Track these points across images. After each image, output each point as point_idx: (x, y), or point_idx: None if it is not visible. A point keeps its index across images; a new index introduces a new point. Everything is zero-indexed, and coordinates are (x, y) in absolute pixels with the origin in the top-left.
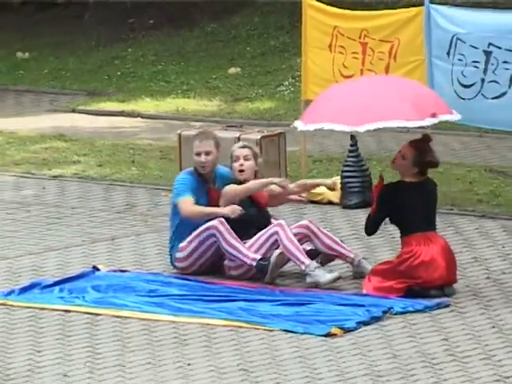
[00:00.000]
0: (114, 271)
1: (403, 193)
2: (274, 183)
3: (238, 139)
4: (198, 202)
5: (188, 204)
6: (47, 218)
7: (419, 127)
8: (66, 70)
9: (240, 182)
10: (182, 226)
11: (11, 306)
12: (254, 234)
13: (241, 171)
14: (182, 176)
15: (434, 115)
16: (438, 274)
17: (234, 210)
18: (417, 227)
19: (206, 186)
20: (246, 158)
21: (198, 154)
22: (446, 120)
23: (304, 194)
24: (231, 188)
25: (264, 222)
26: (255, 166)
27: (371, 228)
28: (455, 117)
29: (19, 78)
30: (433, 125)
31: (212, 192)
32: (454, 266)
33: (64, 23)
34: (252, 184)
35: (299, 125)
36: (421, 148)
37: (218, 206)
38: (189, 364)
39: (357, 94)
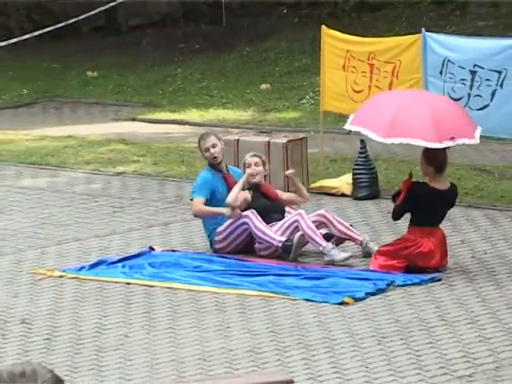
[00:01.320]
0: (167, 251)
1: (431, 198)
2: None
3: (268, 143)
4: (218, 190)
5: (198, 204)
6: (112, 207)
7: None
8: (127, 85)
9: (253, 184)
10: (212, 218)
11: (82, 279)
12: (273, 220)
13: (252, 176)
14: (201, 175)
15: (452, 139)
16: (433, 262)
17: (233, 213)
18: (427, 224)
19: (221, 173)
20: (256, 165)
21: (207, 150)
22: (463, 143)
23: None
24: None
25: (278, 209)
26: (264, 171)
27: (398, 215)
28: (474, 141)
29: (89, 92)
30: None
31: (228, 178)
32: (446, 254)
33: (126, 47)
34: (234, 191)
35: (348, 120)
36: (430, 151)
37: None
38: (227, 327)
39: (396, 106)
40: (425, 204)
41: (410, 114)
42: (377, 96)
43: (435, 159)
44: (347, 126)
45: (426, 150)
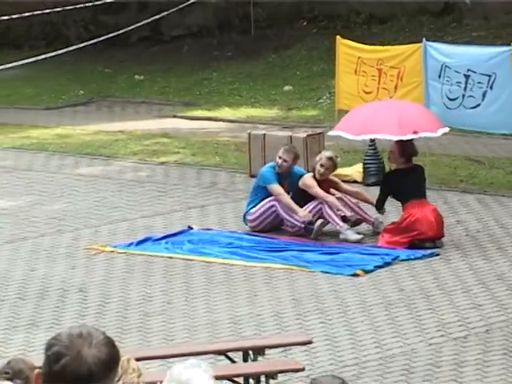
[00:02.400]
0: (203, 229)
1: (398, 176)
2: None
3: (290, 137)
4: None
5: (280, 190)
6: (156, 192)
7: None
8: (170, 87)
9: (316, 178)
10: (256, 200)
11: (130, 253)
12: (304, 202)
13: (321, 175)
14: (267, 169)
15: (415, 132)
16: (429, 227)
17: (305, 215)
18: (411, 196)
19: (281, 180)
20: (327, 168)
21: (280, 158)
22: (425, 136)
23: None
24: (310, 182)
25: (308, 196)
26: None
27: (380, 205)
28: (435, 134)
29: (137, 93)
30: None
31: (283, 183)
32: (442, 224)
33: (168, 54)
34: (319, 194)
35: (334, 131)
36: (403, 144)
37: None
38: (255, 295)
39: (366, 112)
40: (396, 183)
41: (377, 116)
42: (355, 108)
43: (405, 152)
44: (329, 133)
45: (398, 144)
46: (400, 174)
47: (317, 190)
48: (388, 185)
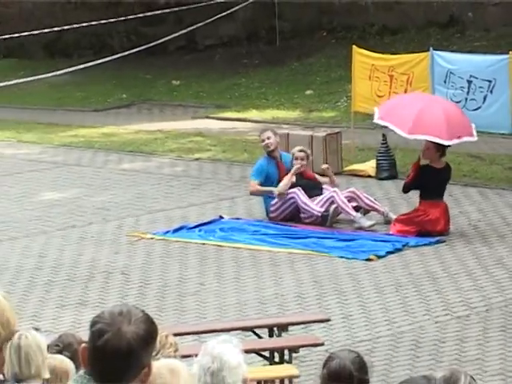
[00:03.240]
0: (233, 219)
1: (431, 175)
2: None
3: (311, 136)
4: (270, 172)
5: (254, 185)
6: (190, 185)
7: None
8: (203, 91)
9: (299, 172)
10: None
11: (168, 240)
12: (314, 195)
13: (299, 168)
14: (259, 162)
15: (459, 137)
16: (439, 227)
17: (281, 196)
18: (432, 197)
19: (275, 161)
20: (302, 159)
21: (263, 141)
22: (466, 141)
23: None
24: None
25: (316, 186)
26: (307, 163)
27: (407, 190)
28: (473, 138)
29: (174, 96)
30: None
31: (279, 164)
32: (449, 221)
33: (202, 62)
34: (284, 182)
35: (376, 115)
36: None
37: (285, 174)
38: (280, 278)
39: (417, 108)
40: (429, 180)
41: (429, 116)
42: (401, 96)
43: (440, 148)
44: (376, 121)
45: (433, 142)
46: (432, 172)
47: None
48: (421, 177)
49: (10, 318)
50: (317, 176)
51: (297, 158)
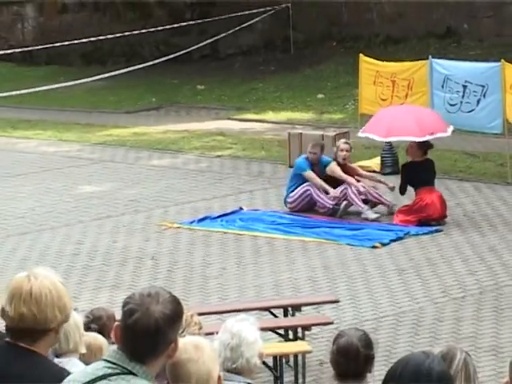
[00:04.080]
0: (251, 210)
1: (413, 167)
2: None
3: (322, 135)
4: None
5: (313, 175)
6: (213, 179)
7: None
8: (225, 95)
9: (340, 164)
10: (293, 186)
11: (193, 229)
12: (333, 187)
13: (344, 159)
14: (301, 159)
15: (432, 133)
16: (435, 211)
17: (335, 193)
18: (422, 184)
19: (313, 167)
20: (346, 150)
21: (311, 153)
22: (440, 136)
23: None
24: (334, 167)
25: (334, 182)
26: (349, 154)
27: (403, 191)
28: (447, 134)
29: (198, 100)
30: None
31: (316, 172)
32: (445, 207)
33: (224, 69)
34: (343, 176)
35: (359, 132)
36: (420, 141)
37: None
38: (293, 263)
39: (390, 116)
40: (415, 173)
41: (399, 120)
42: (378, 112)
43: (422, 147)
44: (359, 135)
45: (415, 142)
46: (415, 166)
47: (341, 174)
48: (406, 174)
49: (66, 303)
50: (359, 170)
51: (342, 150)
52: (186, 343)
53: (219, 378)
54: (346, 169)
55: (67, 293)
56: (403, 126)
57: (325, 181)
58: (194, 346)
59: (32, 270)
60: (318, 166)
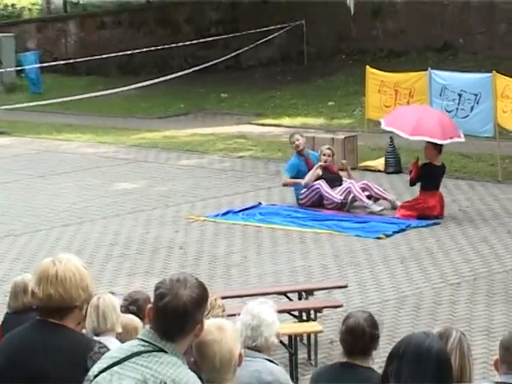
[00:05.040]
0: (269, 204)
1: (431, 171)
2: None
3: (333, 139)
4: (301, 167)
5: (285, 178)
6: (235, 178)
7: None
8: (246, 102)
9: (324, 166)
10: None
11: (217, 222)
12: (335, 185)
13: (325, 162)
14: (291, 161)
15: (451, 138)
16: (436, 212)
17: (307, 183)
18: (431, 188)
19: (304, 158)
20: (328, 155)
21: (293, 142)
22: (457, 141)
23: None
24: (308, 177)
25: (338, 179)
26: (331, 159)
27: (413, 184)
28: (461, 139)
29: (222, 107)
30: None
31: (308, 161)
32: (443, 207)
33: (245, 79)
34: (309, 174)
35: (382, 124)
36: (437, 144)
37: (311, 168)
38: (307, 252)
39: (416, 115)
40: (429, 175)
41: (426, 121)
42: (402, 108)
43: (439, 149)
44: (383, 127)
45: (433, 144)
46: (433, 168)
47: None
48: (424, 172)
49: (88, 284)
50: (339, 171)
51: (324, 155)
52: (210, 325)
53: (240, 355)
54: (330, 170)
55: (89, 275)
56: (429, 127)
57: (327, 178)
58: (217, 328)
59: (57, 256)
60: (327, 170)
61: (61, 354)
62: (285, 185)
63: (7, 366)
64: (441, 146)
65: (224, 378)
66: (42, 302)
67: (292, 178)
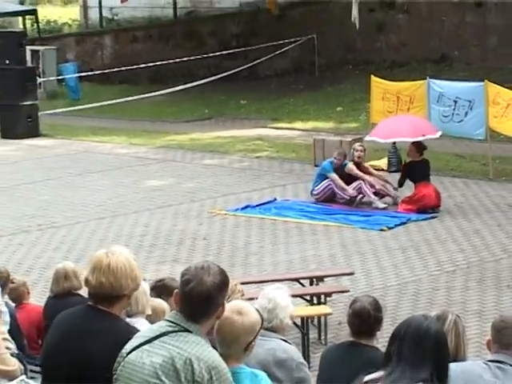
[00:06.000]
0: (284, 200)
1: (413, 166)
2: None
3: (341, 141)
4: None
5: (336, 177)
6: (253, 176)
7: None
8: (263, 108)
9: (356, 163)
10: (318, 181)
11: (237, 215)
12: (350, 181)
13: (359, 157)
14: (327, 163)
15: (423, 135)
16: (431, 200)
17: (352, 191)
18: (420, 179)
19: (336, 170)
20: (360, 150)
21: (336, 158)
22: (430, 137)
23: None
24: (352, 167)
25: (350, 177)
26: (364, 154)
27: (401, 184)
28: (436, 135)
29: (241, 112)
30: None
31: (338, 174)
32: (440, 198)
33: (262, 87)
34: (359, 174)
35: (366, 137)
36: (417, 144)
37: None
38: (317, 242)
39: (388, 123)
40: (413, 170)
41: (396, 125)
42: (381, 121)
43: (419, 149)
44: (366, 139)
45: (414, 144)
46: (414, 165)
47: (356, 172)
48: (406, 171)
49: (137, 274)
50: (370, 169)
51: (357, 151)
52: (234, 306)
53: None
54: (360, 167)
55: (138, 266)
56: (400, 129)
57: (342, 177)
58: (235, 311)
59: (110, 248)
60: (340, 169)
61: (105, 338)
62: (335, 182)
63: (60, 344)
64: (421, 146)
65: (234, 354)
66: (94, 289)
67: (323, 178)
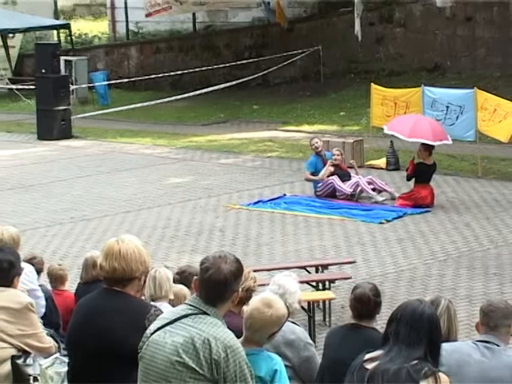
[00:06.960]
0: (292, 195)
1: (424, 168)
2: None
3: (343, 142)
4: (318, 165)
5: (307, 174)
6: (265, 174)
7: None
8: (273, 112)
9: (336, 164)
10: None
11: (250, 210)
12: (345, 180)
13: (336, 160)
14: (310, 159)
15: (441, 140)
16: (427, 201)
17: (321, 178)
18: (423, 182)
19: (321, 157)
20: (337, 155)
21: (313, 144)
22: (444, 143)
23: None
24: (321, 173)
25: (347, 175)
26: (340, 158)
27: (409, 179)
28: (449, 142)
29: (254, 116)
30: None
31: (324, 160)
32: (434, 198)
33: (273, 93)
34: (323, 171)
35: (385, 129)
36: (428, 146)
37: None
38: (322, 234)
39: (413, 122)
40: (422, 172)
41: (420, 126)
42: (400, 116)
43: (429, 151)
44: (386, 131)
45: (425, 146)
46: (425, 166)
47: (324, 171)
48: (416, 171)
49: (146, 259)
50: (348, 168)
51: (334, 154)
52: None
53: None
54: (341, 167)
55: (146, 252)
56: (422, 131)
57: (338, 174)
58: (265, 304)
59: (120, 236)
60: (325, 161)
61: (122, 314)
62: (306, 179)
63: (82, 323)
64: (432, 147)
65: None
66: (108, 274)
67: (311, 174)
